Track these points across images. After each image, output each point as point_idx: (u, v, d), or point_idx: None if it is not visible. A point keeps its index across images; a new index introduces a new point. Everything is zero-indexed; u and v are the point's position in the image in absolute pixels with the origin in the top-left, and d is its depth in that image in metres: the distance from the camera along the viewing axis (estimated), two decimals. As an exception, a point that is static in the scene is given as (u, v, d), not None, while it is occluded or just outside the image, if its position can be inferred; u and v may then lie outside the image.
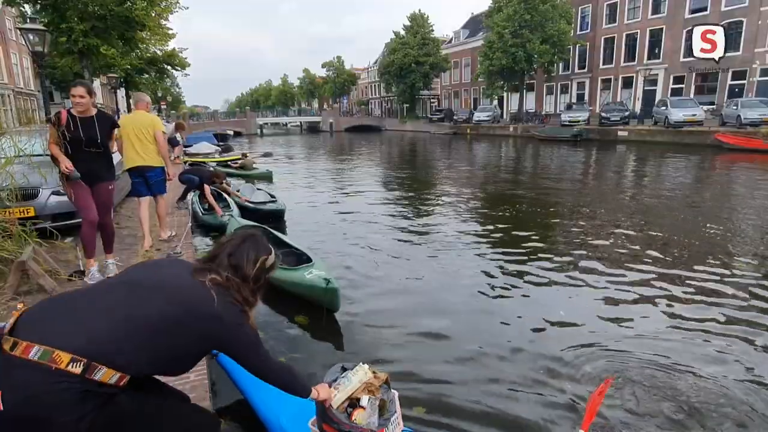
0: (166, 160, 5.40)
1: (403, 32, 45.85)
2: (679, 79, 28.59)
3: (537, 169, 16.59)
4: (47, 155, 4.14)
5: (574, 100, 34.82)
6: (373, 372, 2.13)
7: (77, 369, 1.17)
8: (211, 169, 10.15)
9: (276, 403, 2.32)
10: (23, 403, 1.12)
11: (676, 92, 28.14)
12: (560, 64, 34.83)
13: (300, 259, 5.13)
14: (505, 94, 38.82)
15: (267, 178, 13.71)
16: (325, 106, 74.07)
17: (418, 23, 45.17)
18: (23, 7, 17.48)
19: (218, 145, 20.85)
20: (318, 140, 41.78)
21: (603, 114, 26.94)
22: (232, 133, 43.18)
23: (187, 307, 1.40)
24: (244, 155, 16.58)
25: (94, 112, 4.05)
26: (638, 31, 30.60)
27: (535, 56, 30.82)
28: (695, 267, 5.52)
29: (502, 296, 4.92)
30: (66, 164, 3.85)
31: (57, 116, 3.94)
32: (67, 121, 3.90)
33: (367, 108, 69.42)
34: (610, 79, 32.83)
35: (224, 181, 8.76)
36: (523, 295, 4.89)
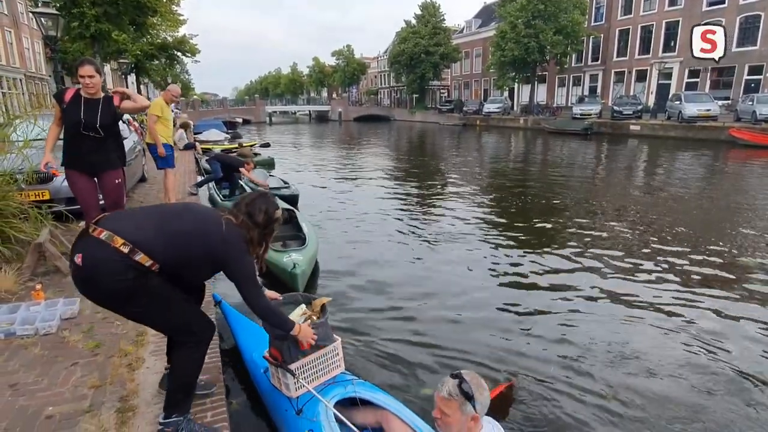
0: (156, 138, 6.07)
1: (414, 21, 45.35)
2: (694, 74, 28.08)
3: (546, 162, 16.45)
4: (61, 139, 3.86)
5: (586, 92, 34.34)
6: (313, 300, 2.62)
7: (125, 249, 1.79)
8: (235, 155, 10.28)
9: (251, 343, 3.07)
10: (92, 263, 1.80)
11: (690, 86, 27.66)
12: (573, 56, 34.32)
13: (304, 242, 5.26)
14: (516, 86, 38.37)
15: (269, 164, 13.77)
16: (334, 96, 73.72)
17: (430, 12, 44.63)
18: (36, -9, 17.49)
19: (227, 133, 20.86)
20: (326, 129, 41.69)
21: (615, 107, 26.55)
22: (241, 120, 43.13)
23: (204, 228, 1.96)
24: (240, 144, 16.61)
25: (101, 94, 3.72)
26: (654, 23, 30.02)
27: (548, 47, 30.37)
28: (702, 265, 5.48)
29: (500, 284, 4.96)
30: (43, 162, 3.66)
31: (62, 92, 3.70)
32: (72, 100, 3.62)
33: (377, 98, 68.99)
34: (624, 72, 32.32)
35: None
36: (522, 284, 4.92)
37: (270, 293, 2.55)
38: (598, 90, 34.01)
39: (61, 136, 3.86)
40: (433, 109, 48.01)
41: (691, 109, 21.78)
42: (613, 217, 7.90)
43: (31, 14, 28.40)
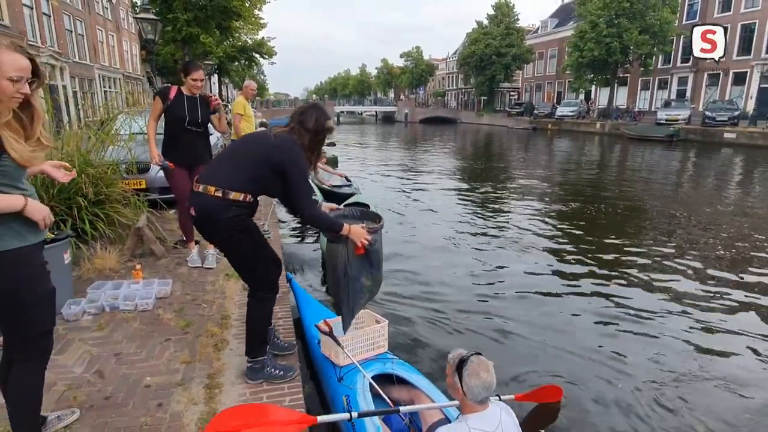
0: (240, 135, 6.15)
1: (486, 22, 44.49)
2: (804, 76, 25.09)
3: (624, 169, 15.44)
4: (159, 134, 4.08)
5: (673, 96, 31.79)
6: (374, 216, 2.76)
7: (219, 194, 2.19)
8: None
9: (312, 318, 3.27)
10: (200, 210, 2.25)
11: (799, 90, 24.73)
12: (660, 57, 31.89)
13: None
14: (593, 88, 36.34)
15: (333, 162, 14.05)
16: (401, 97, 74.15)
17: (503, 12, 43.57)
18: (136, -2, 19.27)
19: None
20: (392, 130, 42.06)
21: (707, 113, 24.33)
22: (310, 120, 44.73)
23: (258, 143, 2.33)
24: None
25: (198, 92, 4.02)
26: (756, 21, 27.14)
27: (632, 47, 28.45)
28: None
29: (564, 293, 4.72)
30: (155, 157, 3.95)
31: (166, 90, 3.95)
32: (176, 97, 3.90)
33: (443, 99, 68.51)
34: (719, 74, 29.51)
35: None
36: (588, 297, 4.62)
37: (330, 205, 2.75)
38: (688, 93, 31.35)
39: (158, 131, 4.12)
40: (501, 112, 46.82)
41: (799, 116, 19.48)
42: (699, 234, 7.23)
43: (131, 19, 31.34)
